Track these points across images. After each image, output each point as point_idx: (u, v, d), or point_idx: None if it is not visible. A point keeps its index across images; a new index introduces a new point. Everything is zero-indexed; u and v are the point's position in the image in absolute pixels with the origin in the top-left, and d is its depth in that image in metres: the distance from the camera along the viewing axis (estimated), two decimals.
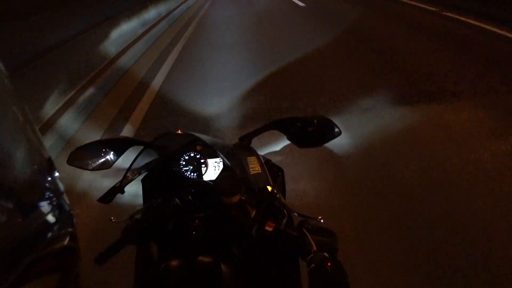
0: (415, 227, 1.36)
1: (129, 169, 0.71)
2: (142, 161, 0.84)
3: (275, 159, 0.95)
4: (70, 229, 0.51)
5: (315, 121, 0.74)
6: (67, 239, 0.49)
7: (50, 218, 0.48)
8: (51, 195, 0.49)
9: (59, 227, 0.49)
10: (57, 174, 0.51)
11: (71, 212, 0.53)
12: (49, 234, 0.46)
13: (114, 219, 0.73)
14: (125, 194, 0.72)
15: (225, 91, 2.59)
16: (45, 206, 0.48)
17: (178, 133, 0.74)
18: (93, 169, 0.79)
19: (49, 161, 0.51)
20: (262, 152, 0.92)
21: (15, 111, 0.46)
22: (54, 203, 0.50)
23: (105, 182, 0.77)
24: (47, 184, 0.50)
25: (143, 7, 4.72)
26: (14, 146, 0.46)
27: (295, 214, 0.67)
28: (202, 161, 0.87)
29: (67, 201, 0.53)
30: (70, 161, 0.79)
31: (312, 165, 1.92)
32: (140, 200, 0.89)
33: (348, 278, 0.52)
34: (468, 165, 1.47)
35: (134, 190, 0.96)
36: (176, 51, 3.80)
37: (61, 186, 0.52)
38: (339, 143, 1.83)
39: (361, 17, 5.09)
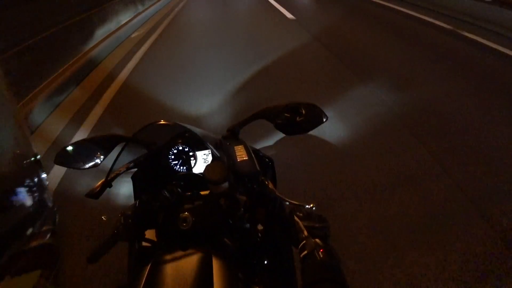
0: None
1: (114, 162, 0.70)
2: (131, 157, 0.83)
3: (267, 153, 0.95)
4: (51, 227, 0.51)
5: (302, 108, 0.75)
6: (49, 235, 0.49)
7: (33, 214, 0.48)
8: (35, 191, 0.49)
9: (41, 224, 0.49)
10: (43, 171, 0.51)
11: (54, 209, 0.53)
12: (31, 230, 0.46)
13: (105, 217, 0.72)
14: (118, 193, 0.72)
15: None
16: (28, 202, 0.48)
17: (165, 124, 0.73)
18: (82, 168, 0.78)
19: (35, 158, 0.51)
20: (256, 146, 0.92)
21: (2, 107, 0.46)
22: (38, 199, 0.50)
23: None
24: (32, 181, 0.50)
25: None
26: (0, 142, 0.46)
27: (287, 202, 0.68)
28: (191, 154, 0.87)
29: (51, 198, 0.53)
30: (57, 161, 0.78)
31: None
32: (133, 199, 0.88)
33: (341, 264, 0.53)
34: None
35: (127, 189, 0.94)
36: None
37: (46, 183, 0.52)
38: None
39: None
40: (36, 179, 0.50)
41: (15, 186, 0.47)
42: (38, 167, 0.51)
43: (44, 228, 0.49)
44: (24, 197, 0.48)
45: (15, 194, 0.47)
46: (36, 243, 0.46)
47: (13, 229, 0.44)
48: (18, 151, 0.48)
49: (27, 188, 0.49)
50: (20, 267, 0.43)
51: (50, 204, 0.52)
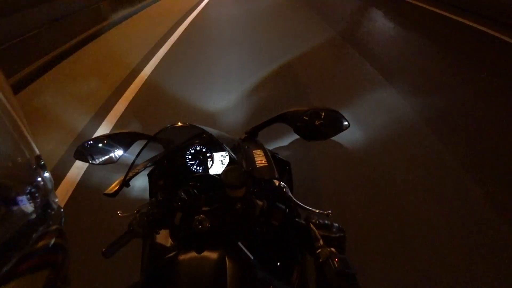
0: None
1: (133, 162, 0.71)
2: (148, 155, 0.83)
3: (282, 154, 0.95)
4: (58, 226, 0.51)
5: (323, 114, 0.74)
6: (56, 235, 0.49)
7: (39, 215, 0.48)
8: (40, 192, 0.49)
9: (48, 224, 0.49)
10: (46, 171, 0.51)
11: (60, 209, 0.53)
12: (38, 231, 0.46)
13: (120, 213, 0.72)
14: (134, 188, 0.72)
15: None
16: (33, 203, 0.47)
17: (183, 126, 0.74)
18: (100, 164, 0.79)
19: (38, 157, 0.51)
20: (269, 146, 0.92)
21: (4, 103, 0.45)
22: (43, 200, 0.49)
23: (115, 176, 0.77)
24: (36, 181, 0.49)
25: None
26: (1, 141, 0.45)
27: (303, 208, 0.68)
28: (208, 154, 0.87)
29: (57, 198, 0.53)
30: (77, 156, 0.79)
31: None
32: (147, 195, 0.88)
33: (357, 275, 0.52)
34: None
35: (142, 184, 0.96)
36: None
37: (51, 183, 0.52)
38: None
39: None
40: (40, 180, 0.50)
41: (19, 187, 0.47)
42: (42, 167, 0.51)
43: (51, 228, 0.49)
44: (30, 198, 0.48)
45: (20, 195, 0.47)
46: (44, 243, 0.46)
47: (20, 230, 0.44)
48: (21, 151, 0.48)
49: (31, 189, 0.48)
50: (29, 267, 0.43)
51: (56, 204, 0.51)
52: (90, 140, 0.78)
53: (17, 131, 0.47)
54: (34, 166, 0.50)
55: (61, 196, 2.30)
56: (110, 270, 1.66)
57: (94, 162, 0.78)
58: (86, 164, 2.54)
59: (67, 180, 2.44)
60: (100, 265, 1.68)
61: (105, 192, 0.71)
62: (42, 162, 0.51)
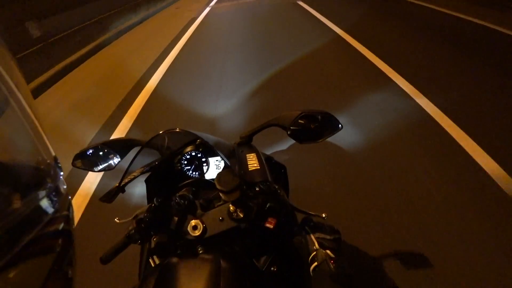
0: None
1: (128, 168, 0.73)
2: (145, 161, 0.85)
3: (280, 158, 0.95)
4: (65, 213, 0.52)
5: (315, 116, 0.74)
6: (63, 222, 0.50)
7: (47, 201, 0.49)
8: (49, 178, 0.50)
9: (56, 210, 0.51)
10: (55, 157, 0.52)
11: (68, 196, 0.55)
12: (46, 217, 0.47)
13: (118, 219, 0.74)
14: (133, 195, 0.74)
15: None
16: (43, 189, 0.49)
17: (179, 131, 0.75)
18: (98, 171, 0.81)
19: (47, 146, 0.52)
20: (267, 151, 0.93)
21: (19, 96, 0.47)
22: (52, 186, 0.51)
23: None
24: (45, 168, 0.51)
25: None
26: (12, 128, 0.47)
27: (299, 211, 0.68)
28: (203, 160, 0.88)
29: (65, 185, 0.54)
30: (74, 163, 0.81)
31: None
32: (146, 201, 0.90)
33: (352, 277, 0.52)
34: None
35: (140, 191, 0.98)
36: None
37: (59, 170, 0.53)
38: None
39: None
40: (49, 165, 0.51)
41: (28, 173, 0.48)
42: (51, 153, 0.52)
43: (59, 214, 0.51)
44: (40, 185, 0.49)
45: (30, 180, 0.48)
46: (52, 229, 0.48)
47: (30, 215, 0.45)
48: (31, 137, 0.50)
49: (41, 175, 0.50)
50: (37, 251, 0.44)
51: (63, 191, 0.53)
52: (87, 148, 0.80)
53: (29, 121, 0.48)
54: (44, 152, 0.51)
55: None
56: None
57: (92, 169, 0.79)
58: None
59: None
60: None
61: (101, 198, 0.72)
62: (51, 149, 0.52)
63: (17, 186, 0.44)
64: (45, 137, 0.51)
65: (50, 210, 0.49)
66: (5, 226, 0.38)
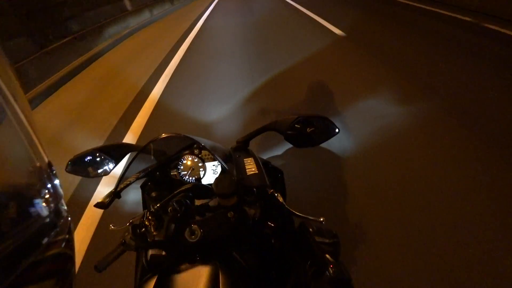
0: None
1: (123, 174, 0.71)
2: (141, 166, 0.84)
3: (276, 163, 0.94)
4: (66, 236, 0.51)
5: (313, 121, 0.75)
6: (63, 244, 0.49)
7: (48, 223, 0.48)
8: (49, 200, 0.50)
9: (56, 233, 0.50)
10: (56, 179, 0.52)
11: (68, 218, 0.54)
12: (46, 239, 0.46)
13: (112, 225, 0.72)
14: (128, 201, 0.73)
15: None
16: (43, 211, 0.48)
17: (175, 136, 0.74)
18: (92, 177, 0.79)
19: (49, 165, 0.52)
20: (264, 156, 0.92)
21: (15, 108, 0.47)
22: (52, 208, 0.50)
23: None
24: (46, 189, 0.50)
25: None
26: (12, 148, 0.46)
27: (296, 216, 0.67)
28: (200, 164, 0.87)
29: (65, 207, 0.53)
30: (69, 169, 0.79)
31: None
32: (141, 207, 0.88)
33: (352, 281, 0.51)
34: None
35: (135, 197, 0.96)
36: None
37: (60, 191, 0.53)
38: None
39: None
40: (50, 188, 0.50)
41: (29, 195, 0.47)
42: (52, 175, 0.52)
43: (59, 237, 0.50)
44: (39, 206, 0.49)
45: (30, 203, 0.47)
46: (52, 252, 0.46)
47: (30, 238, 0.44)
48: (32, 159, 0.49)
49: (41, 198, 0.49)
50: (36, 276, 0.43)
51: (64, 213, 0.52)
52: (81, 154, 0.78)
53: (28, 136, 0.48)
54: (45, 174, 0.51)
55: None
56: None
57: (86, 175, 0.78)
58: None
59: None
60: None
61: (96, 204, 0.71)
62: (54, 171, 0.52)
63: (16, 209, 0.44)
64: (40, 140, 0.50)
65: (51, 232, 0.48)
66: (4, 251, 0.37)
